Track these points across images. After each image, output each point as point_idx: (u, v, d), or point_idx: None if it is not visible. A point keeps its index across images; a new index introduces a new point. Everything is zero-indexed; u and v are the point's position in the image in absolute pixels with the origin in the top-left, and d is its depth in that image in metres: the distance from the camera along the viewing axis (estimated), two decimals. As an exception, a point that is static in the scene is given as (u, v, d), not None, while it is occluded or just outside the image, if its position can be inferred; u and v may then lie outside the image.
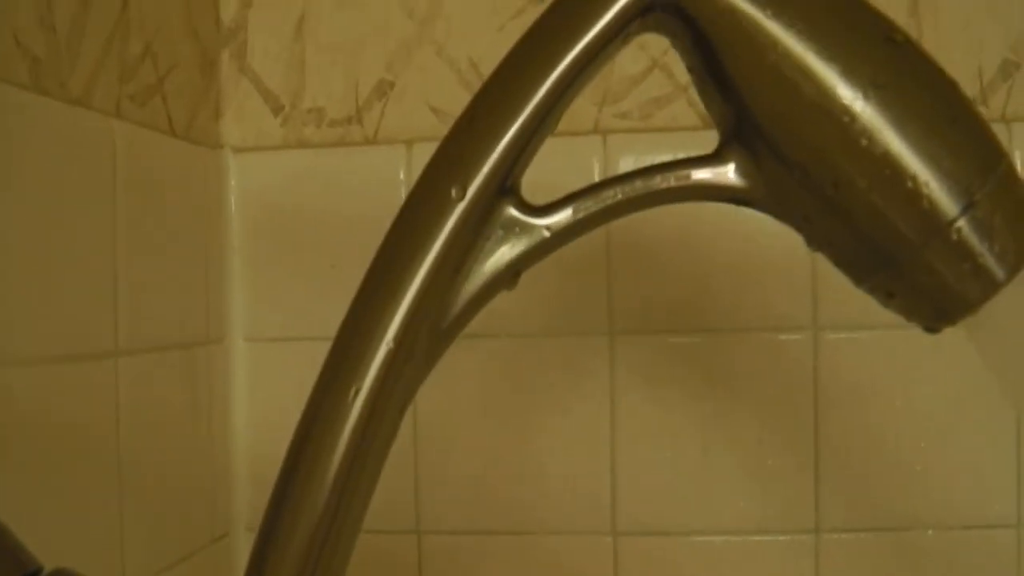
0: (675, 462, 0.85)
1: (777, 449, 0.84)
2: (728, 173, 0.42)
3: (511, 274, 0.42)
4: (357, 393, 0.41)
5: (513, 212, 0.42)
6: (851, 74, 0.39)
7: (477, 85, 0.43)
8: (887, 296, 0.42)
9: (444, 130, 0.42)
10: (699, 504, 0.85)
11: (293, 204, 0.88)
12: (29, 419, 0.61)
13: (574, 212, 0.42)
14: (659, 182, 0.42)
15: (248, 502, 0.88)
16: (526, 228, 0.42)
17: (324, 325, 0.85)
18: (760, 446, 0.84)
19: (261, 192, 0.89)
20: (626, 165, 0.83)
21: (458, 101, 0.86)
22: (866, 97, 0.39)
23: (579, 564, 0.86)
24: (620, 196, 0.42)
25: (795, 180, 0.41)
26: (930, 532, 0.84)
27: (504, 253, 0.42)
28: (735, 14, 0.40)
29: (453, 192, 0.41)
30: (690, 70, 0.42)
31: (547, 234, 0.42)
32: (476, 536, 0.87)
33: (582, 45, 0.41)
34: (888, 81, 0.39)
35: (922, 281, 0.41)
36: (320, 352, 0.83)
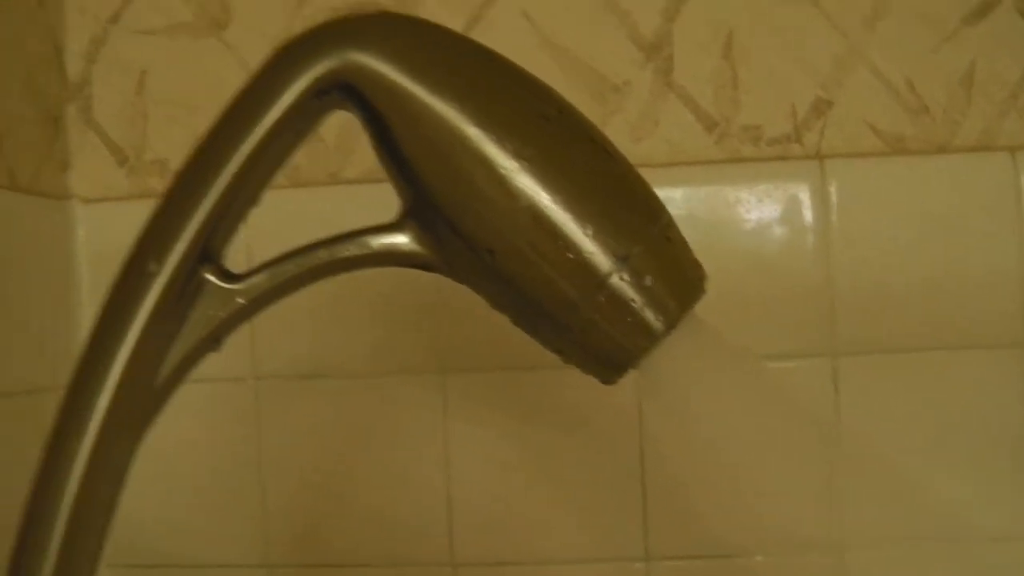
0: (509, 496, 0.88)
1: (607, 481, 0.88)
2: (405, 241, 0.46)
3: (213, 340, 0.46)
4: (76, 451, 0.45)
5: (213, 281, 0.46)
6: (503, 146, 0.43)
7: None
8: (558, 352, 0.46)
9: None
10: (533, 535, 0.88)
11: (140, 252, 0.91)
12: None
13: (269, 279, 0.46)
14: (342, 250, 0.46)
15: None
16: (224, 296, 0.46)
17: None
18: (590, 478, 0.88)
19: (109, 240, 0.92)
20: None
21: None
22: (515, 168, 0.43)
23: (421, 594, 0.89)
24: (309, 264, 0.46)
25: (461, 247, 0.44)
26: (758, 558, 0.87)
27: (205, 320, 0.46)
28: (398, 91, 0.44)
29: (151, 266, 0.45)
30: (372, 146, 0.46)
31: (242, 302, 0.45)
32: (321, 569, 0.90)
33: (264, 128, 0.45)
34: (537, 153, 0.43)
35: (585, 337, 0.44)
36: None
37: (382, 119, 0.44)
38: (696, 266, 0.46)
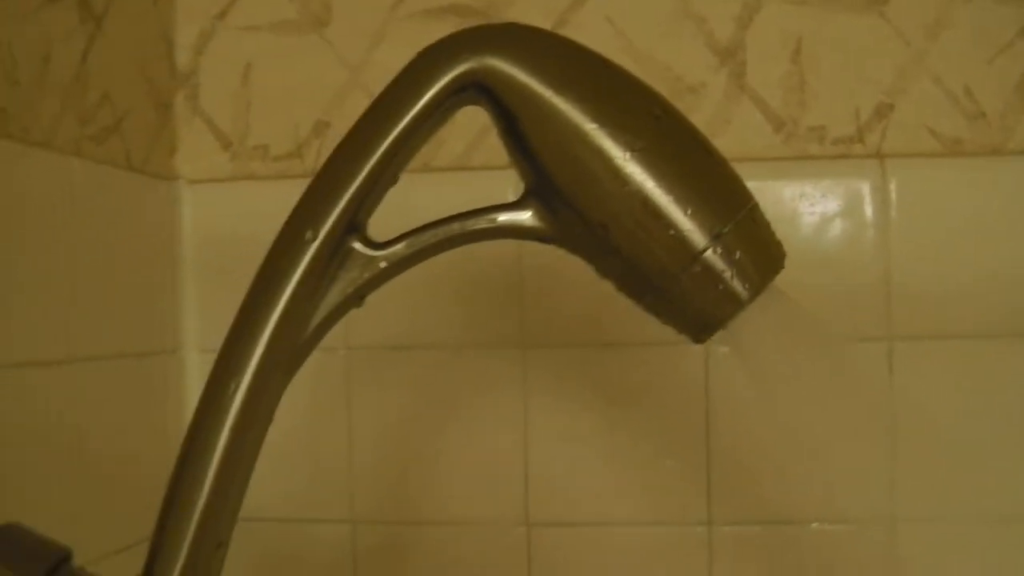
0: (581, 462, 0.97)
1: (673, 451, 0.96)
2: (527, 217, 0.54)
3: (357, 297, 0.55)
4: (236, 388, 0.53)
5: (359, 247, 0.54)
6: (617, 139, 0.51)
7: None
8: (657, 315, 0.54)
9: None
10: (603, 499, 0.97)
11: (240, 229, 1.00)
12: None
13: (407, 247, 0.54)
14: (472, 224, 0.54)
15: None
16: (369, 261, 0.54)
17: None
18: (657, 448, 0.96)
19: (212, 218, 1.02)
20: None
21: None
22: (627, 158, 0.51)
23: (498, 550, 0.98)
24: (443, 235, 0.54)
25: (577, 223, 0.53)
26: (813, 526, 0.96)
27: (351, 281, 0.54)
28: (527, 91, 0.52)
29: (308, 234, 0.53)
30: (500, 136, 0.54)
31: (384, 265, 0.54)
32: (405, 526, 0.99)
33: (409, 117, 0.53)
34: (645, 146, 0.51)
35: (681, 302, 0.53)
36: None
37: (512, 115, 0.52)
38: (777, 244, 0.54)
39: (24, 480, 0.78)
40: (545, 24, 0.97)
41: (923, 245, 0.94)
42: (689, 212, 0.51)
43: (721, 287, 0.52)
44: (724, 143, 0.93)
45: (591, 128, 0.51)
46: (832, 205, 0.95)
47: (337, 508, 1.00)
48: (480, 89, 0.53)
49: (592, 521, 0.97)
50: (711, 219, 0.51)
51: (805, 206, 0.95)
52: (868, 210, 0.94)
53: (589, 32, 0.96)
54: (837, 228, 0.95)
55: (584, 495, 0.98)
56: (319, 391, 0.99)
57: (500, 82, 0.52)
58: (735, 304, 0.52)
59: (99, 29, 0.90)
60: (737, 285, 0.52)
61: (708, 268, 0.52)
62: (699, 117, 0.92)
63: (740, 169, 0.92)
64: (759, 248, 0.53)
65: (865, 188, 0.95)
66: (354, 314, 0.99)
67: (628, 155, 0.51)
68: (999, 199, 0.94)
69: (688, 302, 0.52)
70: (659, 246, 0.51)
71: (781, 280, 0.95)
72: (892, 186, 0.95)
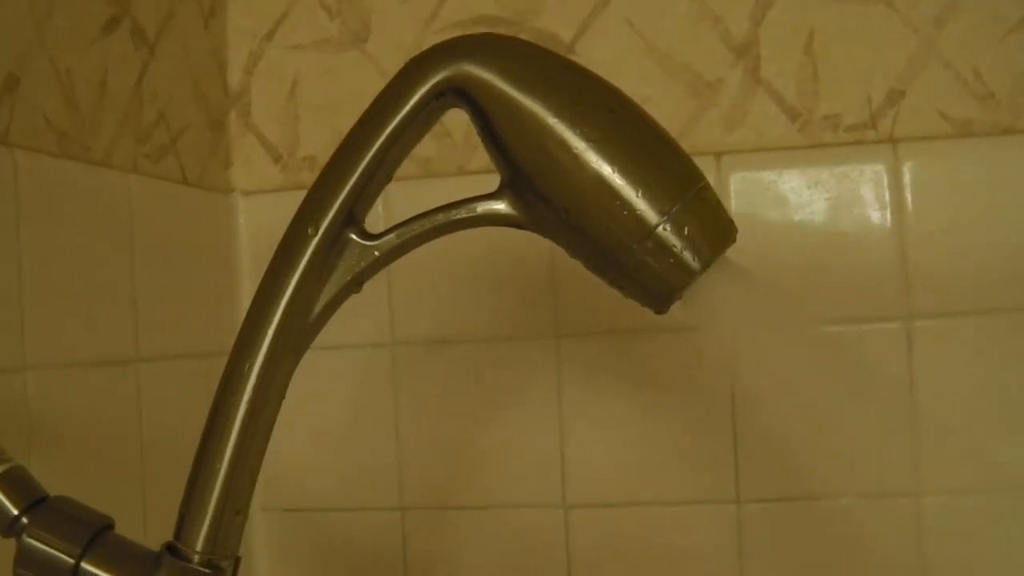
0: (614, 446, 1.05)
1: (701, 432, 1.04)
2: (503, 206, 0.63)
3: (356, 284, 0.64)
4: (251, 368, 0.63)
5: (355, 239, 0.64)
6: (576, 131, 0.60)
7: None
8: (620, 288, 0.63)
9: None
10: (636, 481, 1.06)
11: (293, 237, 1.11)
12: (68, 409, 0.84)
13: (397, 236, 0.64)
14: (454, 214, 0.63)
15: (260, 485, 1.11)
16: (364, 250, 0.64)
17: (322, 338, 1.08)
18: (686, 430, 1.04)
19: (266, 227, 1.11)
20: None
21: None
22: (584, 148, 0.60)
23: (537, 532, 1.07)
24: (429, 225, 0.63)
25: (545, 208, 0.61)
26: (840, 501, 1.03)
27: (349, 268, 0.64)
28: (498, 93, 0.61)
29: (310, 230, 0.63)
30: (478, 134, 0.64)
31: (378, 254, 0.63)
32: (451, 511, 1.08)
33: (396, 121, 0.62)
34: (601, 136, 0.60)
35: (639, 275, 0.61)
36: (319, 361, 1.05)
37: (486, 115, 0.61)
38: (727, 220, 0.62)
39: (89, 471, 0.88)
40: (569, 30, 1.06)
41: (937, 225, 1.01)
42: (640, 193, 0.59)
43: (673, 260, 0.60)
44: (742, 135, 1.03)
45: (553, 123, 0.60)
46: (848, 190, 1.02)
47: (386, 496, 1.10)
48: (458, 93, 0.62)
49: (625, 502, 1.06)
50: (661, 199, 0.60)
51: (822, 192, 1.03)
52: (883, 193, 1.02)
53: (611, 35, 1.05)
54: (854, 212, 1.02)
55: (617, 477, 1.06)
56: (367, 385, 1.09)
57: (475, 86, 0.61)
58: (688, 274, 0.60)
59: (152, 55, 1.01)
60: (688, 257, 0.60)
61: (660, 243, 0.60)
62: (717, 111, 1.01)
63: (757, 159, 1.01)
64: (708, 224, 0.61)
65: (880, 172, 1.02)
66: (399, 311, 1.10)
67: (585, 145, 0.60)
68: (1010, 177, 1.01)
69: (645, 274, 0.61)
70: (616, 224, 0.60)
71: (805, 264, 1.03)
72: (905, 169, 1.02)
